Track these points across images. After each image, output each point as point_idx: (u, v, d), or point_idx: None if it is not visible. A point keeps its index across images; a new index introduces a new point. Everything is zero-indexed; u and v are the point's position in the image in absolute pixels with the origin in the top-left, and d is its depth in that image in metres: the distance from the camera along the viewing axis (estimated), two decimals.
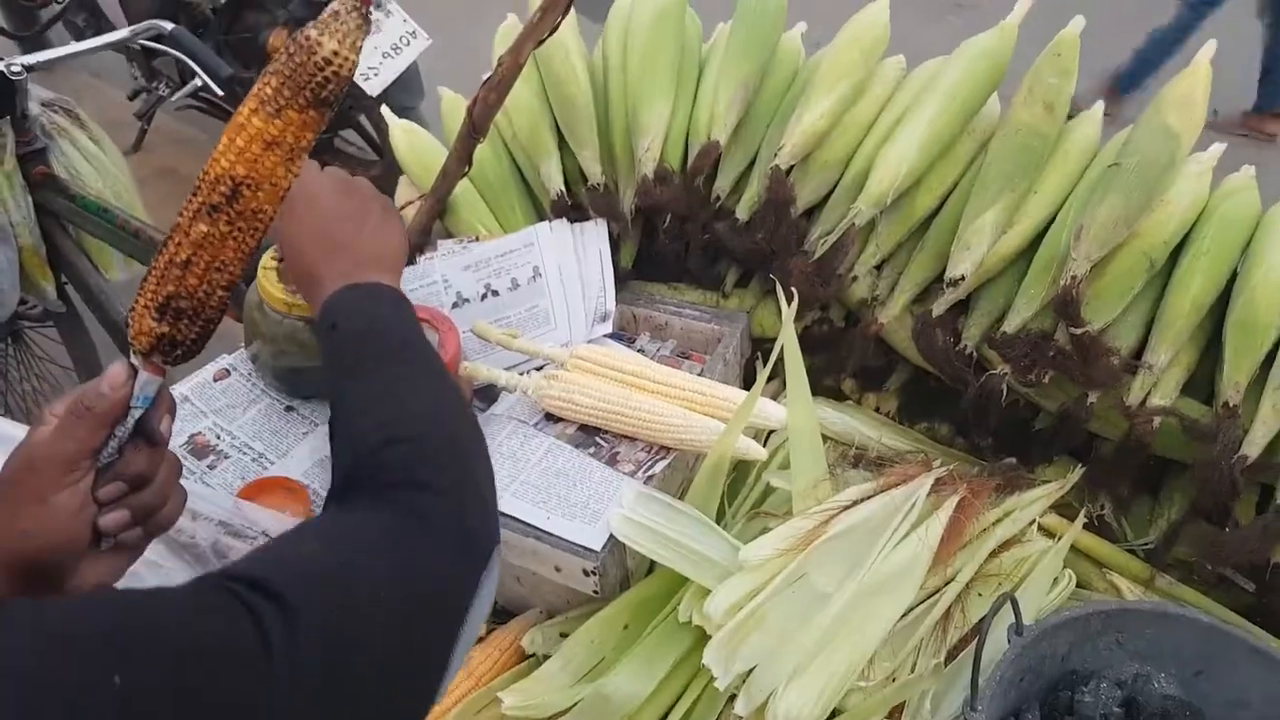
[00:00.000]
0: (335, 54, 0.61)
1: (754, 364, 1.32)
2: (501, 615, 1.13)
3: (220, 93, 1.98)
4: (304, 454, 1.18)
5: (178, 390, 1.20)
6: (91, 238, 1.92)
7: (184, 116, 3.51)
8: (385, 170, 3.01)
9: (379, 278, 0.81)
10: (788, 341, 1.08)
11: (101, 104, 3.53)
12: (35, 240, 1.87)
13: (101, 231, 1.73)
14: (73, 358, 2.03)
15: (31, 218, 1.85)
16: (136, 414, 0.64)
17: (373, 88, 2.75)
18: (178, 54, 1.94)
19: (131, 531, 0.65)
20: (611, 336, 1.27)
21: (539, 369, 1.20)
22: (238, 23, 2.99)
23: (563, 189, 1.30)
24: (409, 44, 2.79)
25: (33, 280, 1.91)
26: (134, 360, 0.65)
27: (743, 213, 1.27)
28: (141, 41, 1.92)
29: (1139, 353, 1.11)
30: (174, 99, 3.09)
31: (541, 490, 1.05)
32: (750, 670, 0.93)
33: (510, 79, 1.11)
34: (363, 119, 3.09)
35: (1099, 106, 1.26)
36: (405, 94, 2.85)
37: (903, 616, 0.98)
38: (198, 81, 2.91)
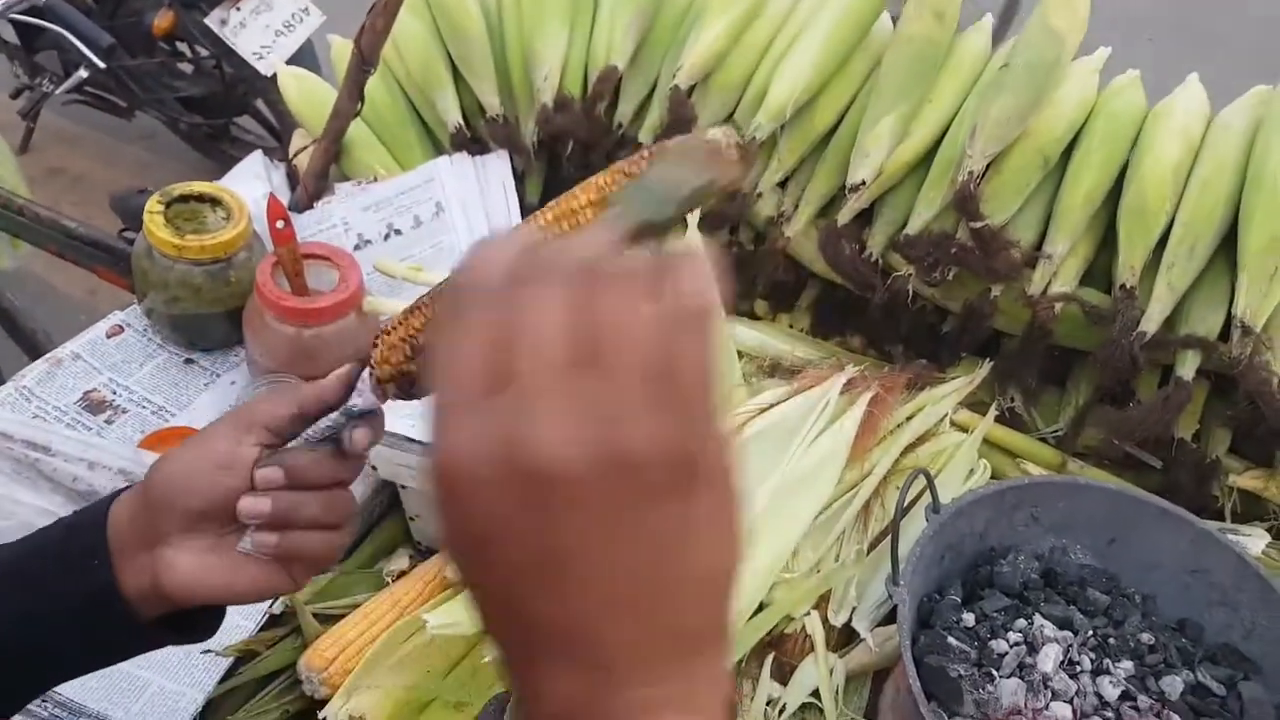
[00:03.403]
0: None
1: None
2: (426, 554, 1.11)
3: (103, 65, 1.90)
4: (206, 405, 1.14)
5: (68, 348, 1.15)
6: None
7: (71, 113, 3.36)
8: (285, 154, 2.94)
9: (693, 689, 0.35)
10: None
11: None
12: None
13: None
14: None
15: None
16: (338, 415, 0.59)
17: (266, 67, 2.68)
18: (55, 27, 1.87)
19: (266, 536, 0.56)
20: None
21: None
22: (122, 8, 2.88)
23: (461, 122, 1.28)
24: (302, 21, 2.73)
25: None
26: (361, 383, 0.58)
27: (646, 138, 1.26)
28: (15, 16, 1.84)
29: (1039, 247, 1.13)
30: (58, 92, 2.97)
31: None
32: None
33: (396, 2, 1.08)
34: (259, 103, 3.01)
35: (988, 18, 1.28)
36: None
37: (823, 511, 0.98)
38: (82, 73, 2.83)
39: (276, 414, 0.58)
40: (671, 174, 0.45)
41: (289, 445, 0.59)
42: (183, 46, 3.01)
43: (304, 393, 0.58)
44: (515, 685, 0.36)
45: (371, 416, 0.58)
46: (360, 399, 0.58)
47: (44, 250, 1.56)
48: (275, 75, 1.95)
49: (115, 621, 0.57)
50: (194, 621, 0.60)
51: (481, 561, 0.34)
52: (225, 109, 3.04)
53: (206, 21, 2.62)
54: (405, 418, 1.00)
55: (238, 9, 2.63)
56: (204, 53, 2.90)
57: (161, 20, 2.67)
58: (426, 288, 1.18)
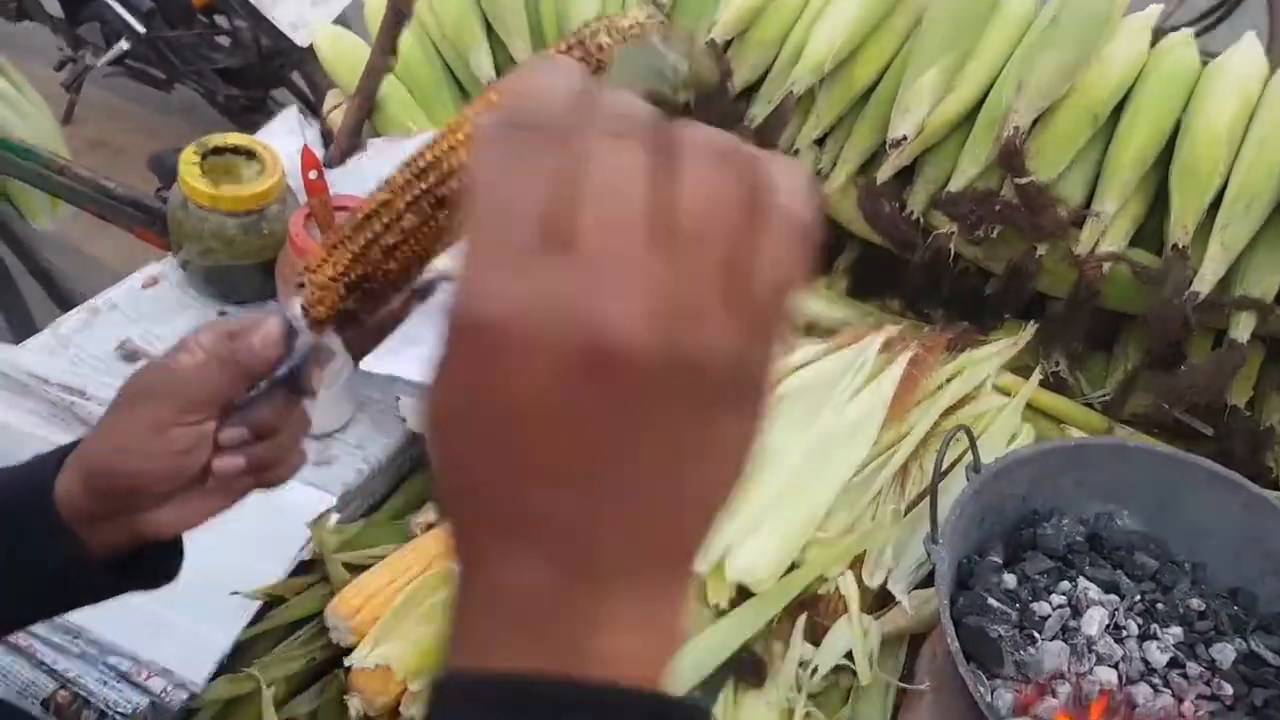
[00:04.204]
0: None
1: None
2: None
3: (142, 30, 1.91)
4: None
5: (104, 297, 1.15)
6: (16, 185, 1.85)
7: (113, 86, 3.39)
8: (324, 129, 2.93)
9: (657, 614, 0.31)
10: None
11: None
12: None
13: (25, 173, 1.66)
14: (2, 309, 1.96)
15: None
16: (286, 365, 0.57)
17: (302, 39, 2.68)
18: None
19: (240, 479, 0.58)
20: None
21: None
22: None
23: (494, 77, 1.26)
24: None
25: None
26: (297, 322, 0.56)
27: (681, 94, 1.24)
28: None
29: (1087, 207, 1.10)
30: (100, 64, 3.00)
31: None
32: None
33: None
34: (295, 76, 3.01)
35: None
36: None
37: (859, 471, 0.96)
38: (123, 44, 2.84)
39: (217, 389, 0.56)
40: (667, 46, 0.41)
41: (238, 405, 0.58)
42: (221, 20, 3.02)
43: (243, 360, 0.55)
44: (467, 572, 0.31)
45: (319, 351, 0.57)
46: (298, 339, 0.57)
47: (84, 210, 1.57)
48: (311, 47, 1.95)
49: (63, 565, 0.56)
50: (150, 566, 0.60)
51: (495, 431, 0.28)
52: (262, 81, 3.05)
53: None
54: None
55: None
56: (241, 25, 2.91)
57: None
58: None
